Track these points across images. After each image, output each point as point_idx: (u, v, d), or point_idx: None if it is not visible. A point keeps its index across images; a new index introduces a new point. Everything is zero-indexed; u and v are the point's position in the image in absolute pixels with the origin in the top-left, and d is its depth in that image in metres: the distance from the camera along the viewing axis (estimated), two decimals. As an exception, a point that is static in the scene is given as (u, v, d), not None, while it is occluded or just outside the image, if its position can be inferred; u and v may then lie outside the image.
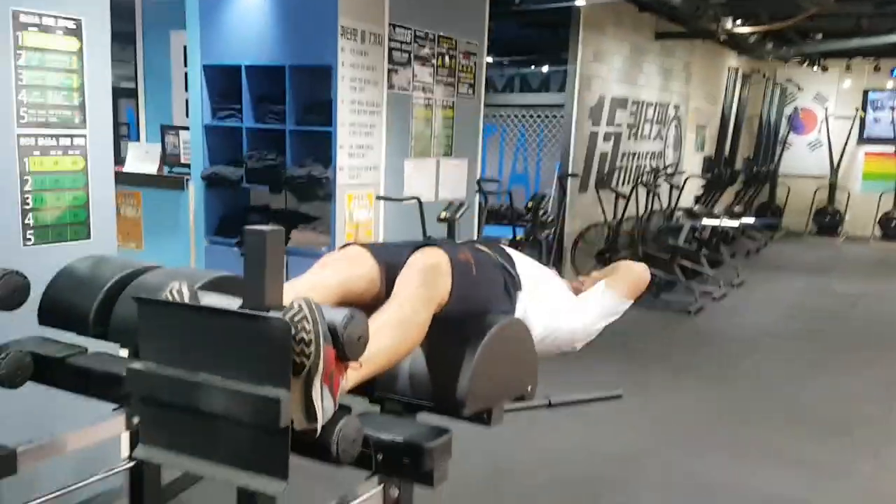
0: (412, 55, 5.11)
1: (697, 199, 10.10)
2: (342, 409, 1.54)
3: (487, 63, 13.77)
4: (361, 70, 4.67)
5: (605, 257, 7.62)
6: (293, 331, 1.37)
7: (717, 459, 3.80)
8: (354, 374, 1.54)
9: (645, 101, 9.46)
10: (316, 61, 4.57)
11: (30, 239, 2.74)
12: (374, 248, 1.95)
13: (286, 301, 1.48)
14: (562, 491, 3.38)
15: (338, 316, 1.42)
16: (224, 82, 4.99)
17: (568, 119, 7.94)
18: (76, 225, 2.88)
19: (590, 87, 8.02)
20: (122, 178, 5.51)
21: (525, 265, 2.21)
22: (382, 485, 1.90)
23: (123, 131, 9.58)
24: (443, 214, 4.90)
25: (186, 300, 1.52)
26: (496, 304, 1.96)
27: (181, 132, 5.41)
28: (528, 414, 2.27)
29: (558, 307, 2.23)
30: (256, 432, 1.37)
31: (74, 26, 2.79)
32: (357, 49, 4.61)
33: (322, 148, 4.61)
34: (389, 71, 4.91)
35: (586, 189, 8.27)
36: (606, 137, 8.65)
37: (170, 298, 1.52)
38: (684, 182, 8.84)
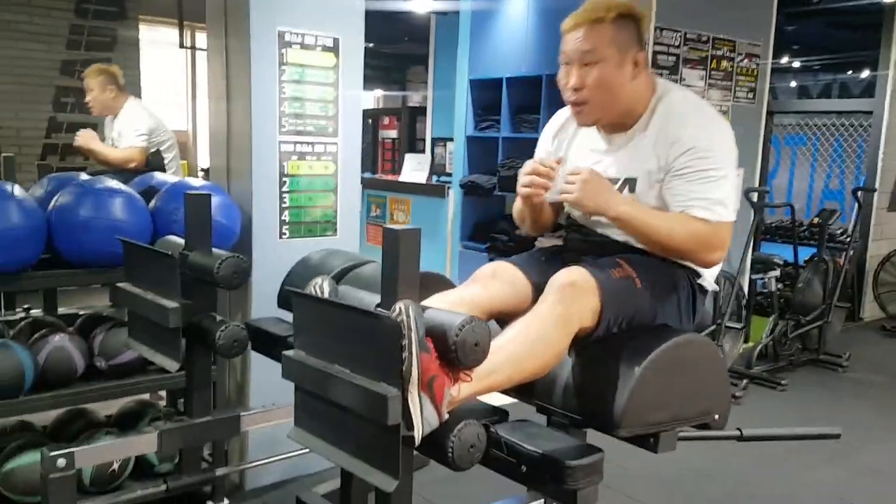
0: (680, 58, 4.86)
1: None
2: (474, 413, 1.51)
3: (795, 68, 12.49)
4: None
5: (915, 287, 6.58)
6: None
7: None
8: (468, 387, 1.48)
9: None
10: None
11: (285, 233, 3.08)
12: (525, 266, 1.89)
13: None
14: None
15: (455, 319, 1.40)
16: (487, 95, 5.19)
17: (877, 127, 6.99)
18: (325, 223, 3.19)
19: (907, 90, 6.97)
20: (398, 187, 6.01)
21: None
22: (542, 499, 1.85)
23: (420, 146, 10.43)
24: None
25: (326, 294, 1.60)
26: (674, 314, 1.80)
27: (448, 143, 5.73)
28: (757, 450, 2.05)
29: None
30: (373, 428, 1.40)
31: (332, 44, 3.09)
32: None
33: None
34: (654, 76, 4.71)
35: (897, 208, 7.20)
36: (929, 148, 7.45)
37: (313, 292, 1.62)
38: None
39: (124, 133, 4.13)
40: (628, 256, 1.84)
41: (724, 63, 5.15)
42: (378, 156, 9.82)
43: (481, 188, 5.11)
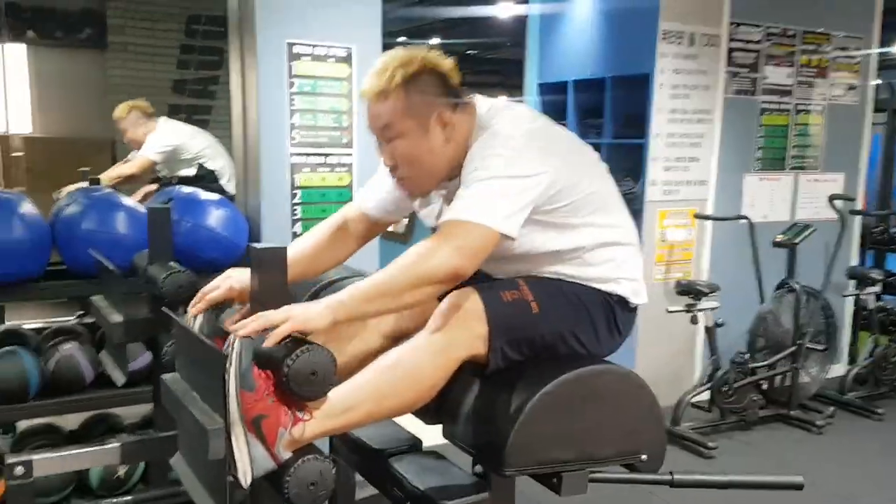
0: (762, 55, 4.47)
1: None
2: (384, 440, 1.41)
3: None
4: (688, 76, 4.24)
5: None
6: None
7: None
8: (315, 425, 1.35)
9: None
10: (634, 70, 4.29)
11: (297, 246, 3.09)
12: None
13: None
14: None
15: (283, 349, 1.30)
16: (554, 99, 4.99)
17: None
18: (341, 235, 3.16)
19: None
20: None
21: None
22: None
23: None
24: (779, 238, 4.19)
25: (195, 325, 1.55)
26: (590, 336, 1.62)
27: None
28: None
29: None
30: (210, 461, 1.33)
31: (345, 54, 3.07)
32: (683, 53, 4.20)
33: (638, 162, 4.31)
34: (728, 74, 4.36)
35: None
36: None
37: (188, 319, 1.58)
38: None
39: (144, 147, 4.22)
40: (530, 278, 1.64)
41: (817, 59, 4.69)
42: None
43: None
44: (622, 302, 1.68)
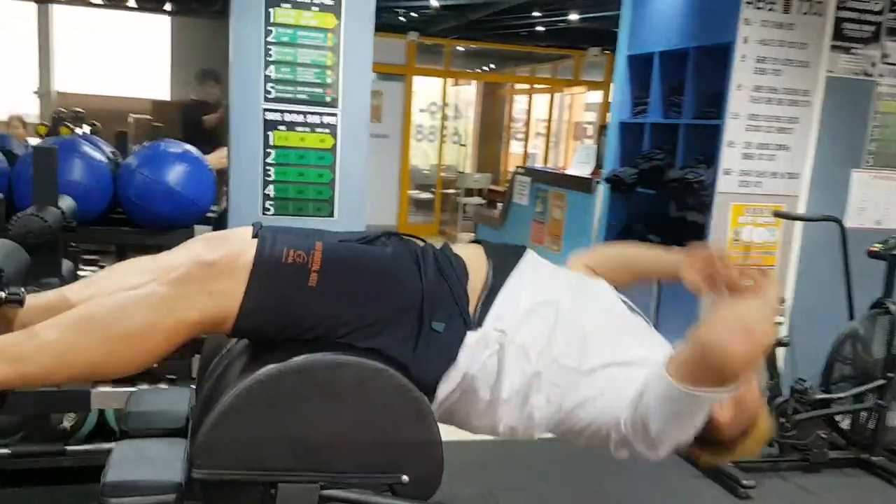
0: (882, 27, 3.69)
1: None
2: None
3: None
4: (780, 48, 3.57)
5: None
6: None
7: None
8: None
9: None
10: (715, 39, 3.69)
11: (269, 209, 2.88)
12: (272, 234, 1.41)
13: None
14: None
15: None
16: (643, 74, 4.43)
17: None
18: (319, 202, 2.91)
19: None
20: (557, 181, 5.49)
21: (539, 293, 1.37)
22: None
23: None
24: (875, 246, 3.44)
25: None
26: (374, 334, 1.25)
27: (612, 132, 5.04)
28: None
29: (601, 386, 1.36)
30: None
31: (332, 2, 2.81)
32: (774, 21, 3.54)
33: (717, 146, 3.70)
34: (834, 48, 3.64)
35: None
36: None
37: None
38: None
39: None
40: (338, 250, 1.33)
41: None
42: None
43: (623, 183, 4.38)
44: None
